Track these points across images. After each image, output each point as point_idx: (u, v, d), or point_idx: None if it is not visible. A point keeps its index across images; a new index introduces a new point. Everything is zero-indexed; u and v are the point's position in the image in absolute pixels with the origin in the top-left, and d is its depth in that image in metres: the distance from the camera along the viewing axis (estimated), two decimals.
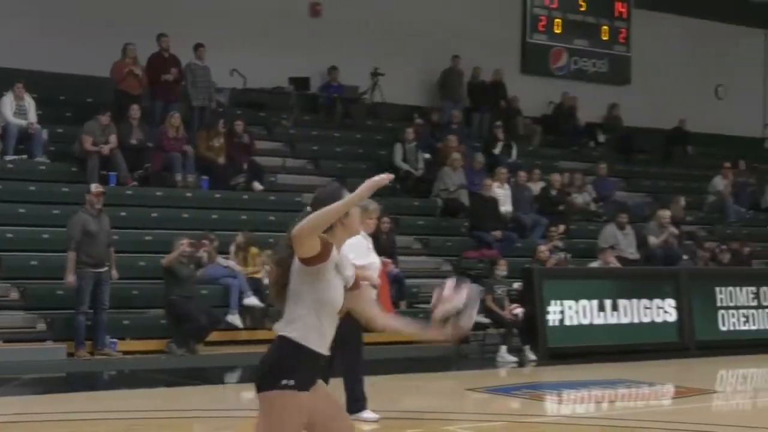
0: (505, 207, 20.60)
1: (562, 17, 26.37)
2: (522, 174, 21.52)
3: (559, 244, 19.50)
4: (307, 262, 5.63)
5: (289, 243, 5.65)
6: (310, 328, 5.72)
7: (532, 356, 16.28)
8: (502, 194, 20.63)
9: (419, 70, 23.98)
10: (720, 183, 24.68)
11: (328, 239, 5.68)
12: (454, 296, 5.83)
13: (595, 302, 17.00)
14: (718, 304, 18.25)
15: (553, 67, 26.04)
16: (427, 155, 21.54)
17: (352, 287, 5.92)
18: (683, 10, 27.71)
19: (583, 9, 26.68)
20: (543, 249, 18.19)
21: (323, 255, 5.63)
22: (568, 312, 16.79)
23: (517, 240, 20.19)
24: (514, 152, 22.87)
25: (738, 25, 28.92)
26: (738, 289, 18.56)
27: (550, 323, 16.61)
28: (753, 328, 18.60)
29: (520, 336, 16.53)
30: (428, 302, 18.07)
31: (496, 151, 22.47)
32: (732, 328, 18.31)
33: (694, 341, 17.79)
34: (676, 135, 26.74)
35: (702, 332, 17.95)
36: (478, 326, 16.69)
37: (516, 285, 17.31)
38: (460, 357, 16.57)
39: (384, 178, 5.67)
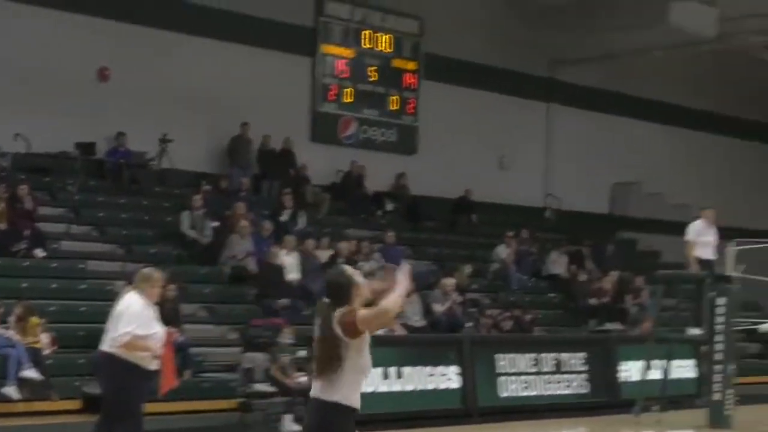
0: (293, 275, 20.65)
1: (352, 87, 26.72)
2: (310, 242, 21.62)
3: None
4: (354, 335, 6.92)
5: (330, 321, 6.95)
6: (355, 390, 7.02)
7: None
8: (289, 262, 20.69)
9: (208, 137, 23.97)
10: (503, 251, 25.31)
11: None
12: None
13: (380, 370, 17.12)
14: (499, 370, 18.66)
15: (342, 136, 26.35)
16: (215, 222, 21.46)
17: None
18: (470, 82, 28.48)
19: (372, 79, 27.10)
20: None
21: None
22: None
23: (304, 308, 20.24)
24: (303, 220, 23.01)
25: (521, 98, 29.87)
26: (519, 355, 19.02)
27: None
28: (533, 393, 19.06)
29: (306, 404, 16.48)
30: (215, 371, 17.98)
31: (284, 218, 22.58)
32: (512, 394, 18.73)
33: (476, 407, 18.10)
34: (461, 204, 27.33)
35: (484, 398, 18.29)
36: (261, 395, 16.69)
37: (302, 353, 17.32)
38: (244, 426, 16.47)
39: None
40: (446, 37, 27.55)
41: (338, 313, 6.94)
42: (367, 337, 6.98)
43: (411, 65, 27.91)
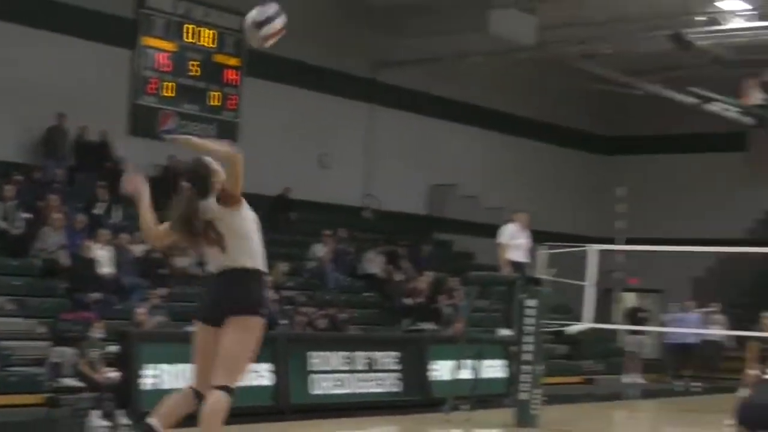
0: (106, 268, 20.35)
1: (172, 81, 26.44)
2: (124, 236, 21.33)
3: (159, 305, 19.44)
4: (235, 204, 7.69)
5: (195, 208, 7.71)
6: (258, 253, 7.75)
7: (125, 420, 16.06)
8: (102, 255, 20.38)
9: (22, 127, 23.34)
10: (320, 250, 25.38)
11: None
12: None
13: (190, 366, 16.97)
14: (312, 368, 18.71)
15: (161, 130, 26.04)
16: (27, 214, 20.98)
17: None
18: (293, 80, 28.48)
19: (194, 74, 26.86)
20: (141, 312, 18.08)
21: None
22: (164, 376, 16.72)
23: (117, 302, 19.97)
24: (118, 214, 22.67)
25: (343, 97, 30.00)
26: (332, 353, 19.11)
27: (146, 387, 16.47)
28: (345, 392, 19.17)
29: (114, 400, 16.29)
30: (22, 365, 17.63)
31: (98, 211, 22.22)
32: (324, 392, 18.81)
33: (289, 405, 18.11)
34: (280, 201, 27.30)
35: (296, 396, 18.32)
36: (69, 390, 16.41)
37: (112, 348, 17.08)
38: (51, 421, 16.17)
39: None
40: None
41: (212, 204, 7.71)
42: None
43: (233, 61, 27.76)
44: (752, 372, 17.64)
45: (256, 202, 24.96)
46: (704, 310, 29.07)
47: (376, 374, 19.75)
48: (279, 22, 7.87)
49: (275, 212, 27.21)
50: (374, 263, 26.39)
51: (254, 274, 7.66)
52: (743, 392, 15.19)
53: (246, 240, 7.73)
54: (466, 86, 32.43)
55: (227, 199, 7.65)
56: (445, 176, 32.32)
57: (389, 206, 30.49)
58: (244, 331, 7.51)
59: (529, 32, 28.25)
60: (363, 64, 30.36)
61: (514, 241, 18.90)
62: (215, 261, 7.76)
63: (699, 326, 28.10)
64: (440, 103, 32.24)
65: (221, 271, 7.68)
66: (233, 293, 7.58)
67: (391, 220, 30.27)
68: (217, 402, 7.45)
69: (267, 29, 7.85)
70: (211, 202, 7.72)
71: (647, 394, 27.24)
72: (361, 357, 19.58)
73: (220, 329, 7.55)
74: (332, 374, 19.02)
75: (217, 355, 7.51)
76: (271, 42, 7.89)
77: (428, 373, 20.52)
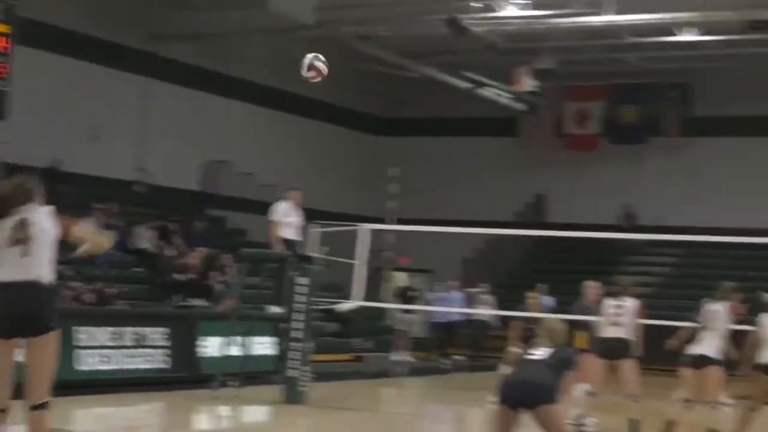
0: None
1: None
2: None
3: None
4: (63, 235, 8.25)
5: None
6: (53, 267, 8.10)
7: None
8: None
9: None
10: (91, 224, 24.86)
11: None
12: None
13: None
14: (77, 343, 18.37)
15: None
16: None
17: None
18: (66, 50, 27.81)
19: None
20: None
21: None
22: None
23: None
24: None
25: (118, 70, 29.46)
26: (99, 329, 18.79)
27: None
28: (112, 368, 18.89)
29: None
30: None
31: None
32: (90, 368, 18.49)
33: (54, 381, 17.71)
34: (49, 174, 26.63)
35: (62, 372, 17.84)
36: None
37: None
38: None
39: None
40: (43, 3, 26.75)
41: (39, 208, 8.21)
42: None
43: (3, 28, 26.76)
44: (514, 350, 18.25)
45: (24, 173, 24.22)
46: (471, 290, 29.80)
47: (144, 350, 19.55)
48: (325, 68, 13.40)
49: (44, 184, 26.53)
50: (145, 238, 26.02)
51: (51, 289, 8.02)
52: (505, 370, 15.66)
53: (50, 250, 8.05)
54: (244, 63, 32.31)
55: (63, 225, 8.22)
56: (220, 152, 32.14)
57: (162, 181, 30.13)
58: (49, 347, 8.15)
59: (308, 11, 28.32)
60: (140, 36, 29.87)
61: (287, 219, 19.00)
62: (9, 268, 7.89)
63: (463, 305, 28.82)
64: (217, 79, 32.04)
65: (18, 284, 7.87)
66: (36, 313, 7.93)
67: (163, 195, 29.92)
68: (45, 421, 8.17)
69: (320, 65, 13.11)
70: (39, 207, 8.15)
71: (415, 371, 27.76)
72: (129, 333, 19.33)
73: (13, 341, 8.02)
74: (99, 350, 18.72)
75: (32, 375, 8.24)
76: (312, 74, 12.84)
77: (198, 350, 20.42)
